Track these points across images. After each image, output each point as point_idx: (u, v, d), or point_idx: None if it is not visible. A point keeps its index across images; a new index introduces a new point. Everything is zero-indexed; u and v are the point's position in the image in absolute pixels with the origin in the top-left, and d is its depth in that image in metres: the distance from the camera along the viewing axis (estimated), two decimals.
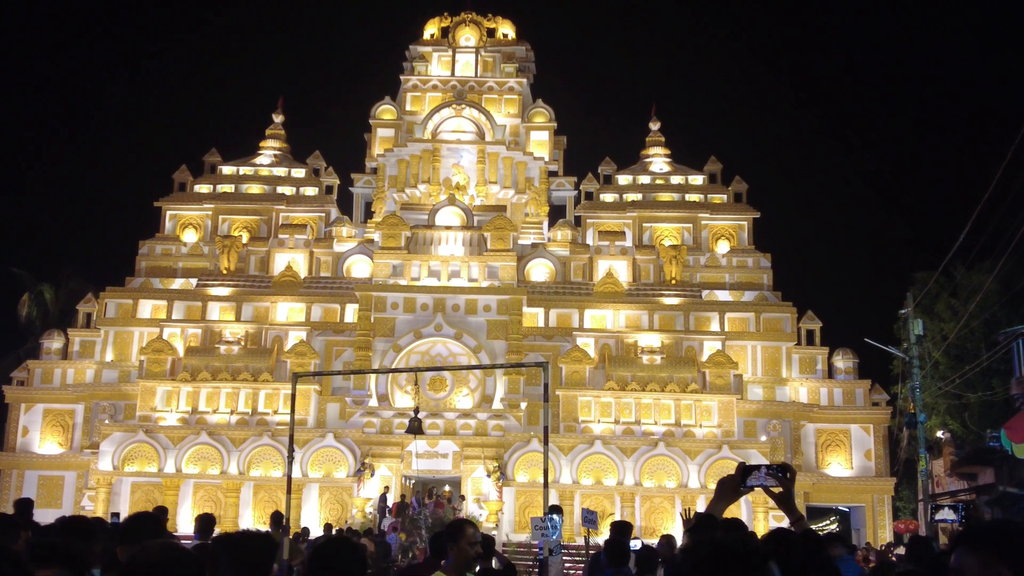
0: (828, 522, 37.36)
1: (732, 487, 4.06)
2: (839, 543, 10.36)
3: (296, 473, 32.60)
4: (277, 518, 13.52)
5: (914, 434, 29.72)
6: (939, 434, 31.61)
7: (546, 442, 11.67)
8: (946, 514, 24.44)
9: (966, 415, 31.60)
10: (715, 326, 36.49)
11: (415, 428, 14.59)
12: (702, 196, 40.18)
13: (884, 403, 36.05)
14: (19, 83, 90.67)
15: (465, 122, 40.89)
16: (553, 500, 31.33)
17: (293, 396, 11.18)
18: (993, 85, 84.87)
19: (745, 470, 4.02)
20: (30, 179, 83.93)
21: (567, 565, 26.54)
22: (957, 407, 31.94)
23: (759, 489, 4.14)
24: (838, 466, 35.46)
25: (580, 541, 25.66)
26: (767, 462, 4.66)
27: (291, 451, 11.56)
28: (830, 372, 36.79)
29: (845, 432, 35.86)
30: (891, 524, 34.14)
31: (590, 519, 13.80)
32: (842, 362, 36.80)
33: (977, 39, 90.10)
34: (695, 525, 10.54)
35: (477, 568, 8.33)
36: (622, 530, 9.78)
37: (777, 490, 4.11)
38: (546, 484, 11.59)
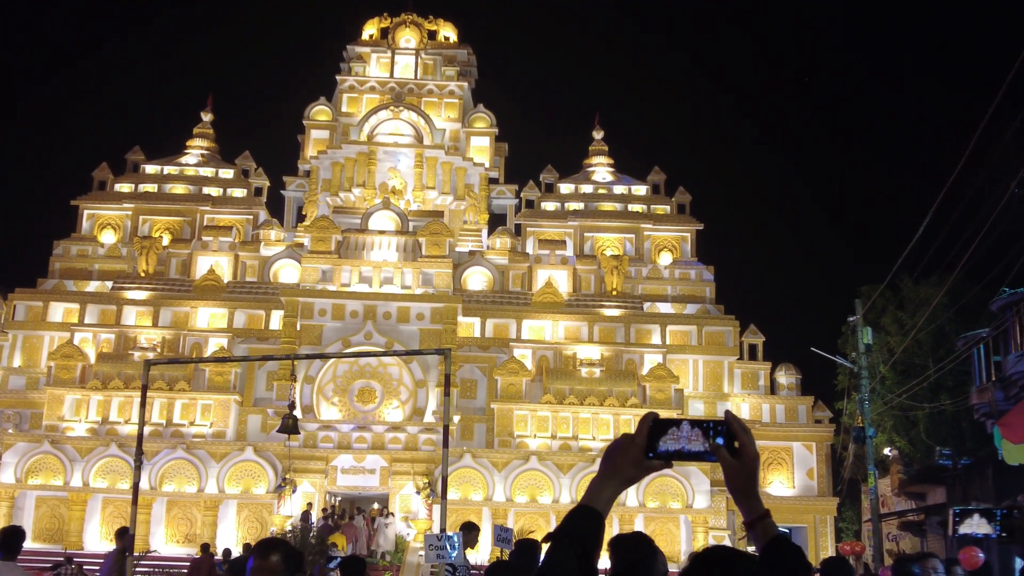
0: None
1: (631, 456, 2.12)
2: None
3: (212, 488, 30.94)
4: (122, 532, 12.06)
5: (860, 451, 28.77)
6: (886, 451, 30.73)
7: (446, 443, 10.16)
8: (975, 525, 18.65)
9: (913, 432, 30.75)
10: (656, 339, 35.40)
11: (289, 427, 12.84)
12: (645, 206, 39.23)
13: (827, 420, 35.30)
14: None
15: (403, 125, 39.51)
16: (485, 522, 29.94)
17: (143, 397, 9.55)
18: (943, 94, 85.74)
19: (656, 426, 2.11)
20: None
21: None
22: (904, 423, 31.10)
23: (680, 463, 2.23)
24: (780, 485, 34.45)
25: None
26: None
27: (139, 458, 9.77)
28: (772, 388, 35.92)
29: (787, 450, 34.93)
30: (833, 545, 33.24)
31: (504, 538, 12.14)
32: (785, 377, 35.94)
33: (924, 51, 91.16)
34: (517, 548, 8.99)
35: None
36: (521, 552, 8.14)
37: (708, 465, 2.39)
38: (444, 495, 10.02)
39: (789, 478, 34.58)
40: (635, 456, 2.06)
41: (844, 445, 35.83)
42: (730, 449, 2.05)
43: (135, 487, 10.27)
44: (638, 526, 30.78)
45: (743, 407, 35.05)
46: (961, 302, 25.33)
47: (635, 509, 30.80)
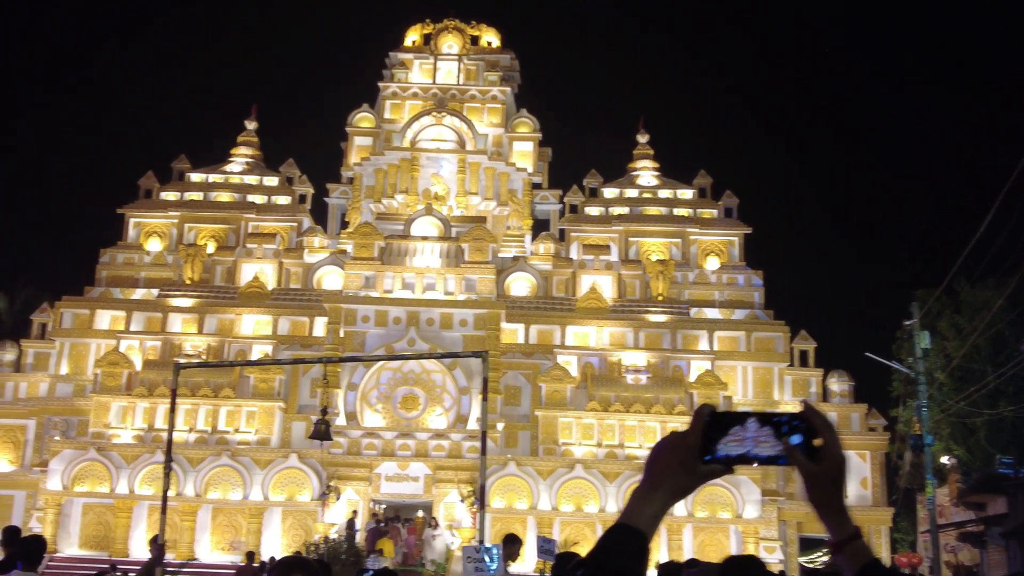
0: (820, 554, 35.42)
1: (681, 460, 1.59)
2: None
3: (257, 496, 30.89)
4: (154, 540, 11.89)
5: (917, 460, 27.93)
6: (944, 460, 29.70)
7: (484, 450, 9.79)
8: None
9: (972, 440, 29.81)
10: (704, 345, 34.78)
11: (320, 433, 12.52)
12: (691, 210, 38.67)
13: (881, 428, 34.36)
14: None
15: (446, 131, 39.38)
16: (530, 532, 29.53)
17: (173, 400, 9.33)
18: (998, 101, 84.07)
19: (714, 423, 1.58)
20: None
21: None
22: (963, 431, 30.18)
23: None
24: None
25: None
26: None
27: (168, 465, 9.55)
28: (824, 395, 35.07)
29: None
30: (889, 556, 32.38)
31: (546, 549, 11.74)
32: (837, 384, 35.09)
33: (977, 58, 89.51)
34: (557, 561, 8.44)
35: None
36: (565, 563, 7.74)
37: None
38: (482, 506, 9.63)
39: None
40: (687, 460, 1.53)
41: (899, 454, 34.96)
42: (809, 451, 1.53)
43: (164, 493, 10.06)
44: (686, 537, 30.21)
45: None
46: (1022, 306, 24.54)
47: (683, 519, 30.16)
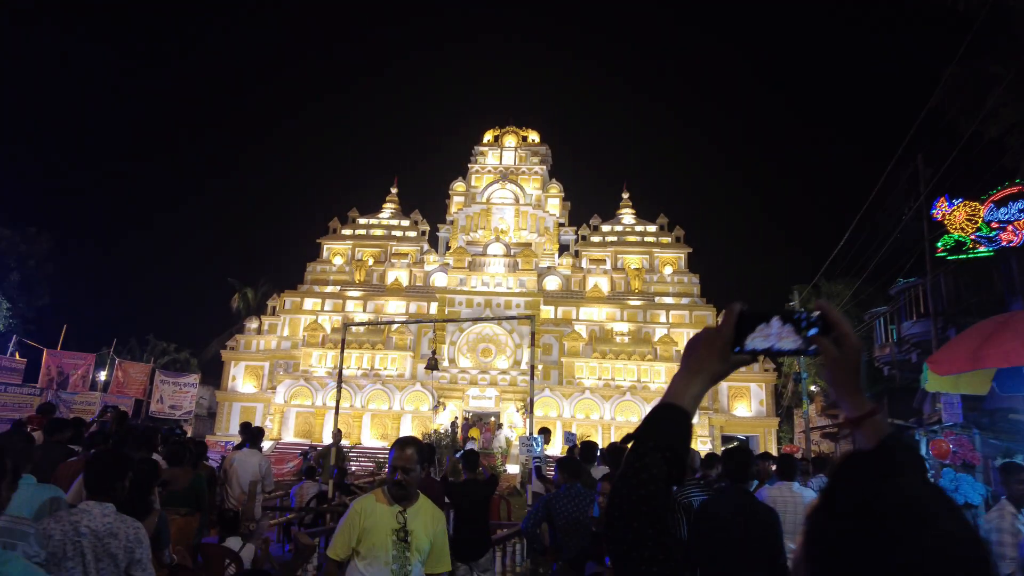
0: (732, 445, 34.72)
1: (717, 350, 1.12)
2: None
3: (397, 407, 31.11)
4: (337, 435, 12.05)
5: (796, 388, 27.30)
6: (812, 387, 29.01)
7: (532, 377, 9.86)
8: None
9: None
10: (663, 319, 34.30)
11: (432, 365, 12.61)
12: (655, 238, 38.07)
13: (771, 370, 33.55)
14: (234, 170, 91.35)
15: (507, 193, 39.30)
16: (558, 430, 29.42)
17: (342, 346, 9.48)
18: (859, 159, 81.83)
19: (743, 320, 1.11)
20: (245, 224, 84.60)
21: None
22: (822, 370, 29.45)
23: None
24: (743, 408, 32.96)
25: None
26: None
27: (339, 387, 9.73)
28: None
29: (747, 388, 33.29)
30: (776, 447, 31.60)
31: (570, 440, 11.77)
32: None
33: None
34: (582, 446, 7.57)
35: (464, 478, 6.64)
36: (585, 449, 7.46)
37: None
38: (531, 409, 9.65)
39: (749, 405, 33.00)
40: (722, 350, 1.12)
41: (783, 385, 34.15)
42: (818, 339, 1.10)
43: (336, 404, 10.23)
44: (611, 431, 29.93)
45: None
46: (860, 296, 23.83)
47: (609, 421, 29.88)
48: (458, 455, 8.17)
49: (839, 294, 29.46)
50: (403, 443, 3.40)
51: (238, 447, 7.75)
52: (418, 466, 3.39)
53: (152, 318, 67.92)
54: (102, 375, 27.41)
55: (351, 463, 25.03)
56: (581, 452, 7.38)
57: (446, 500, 6.52)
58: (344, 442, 30.18)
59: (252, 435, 7.55)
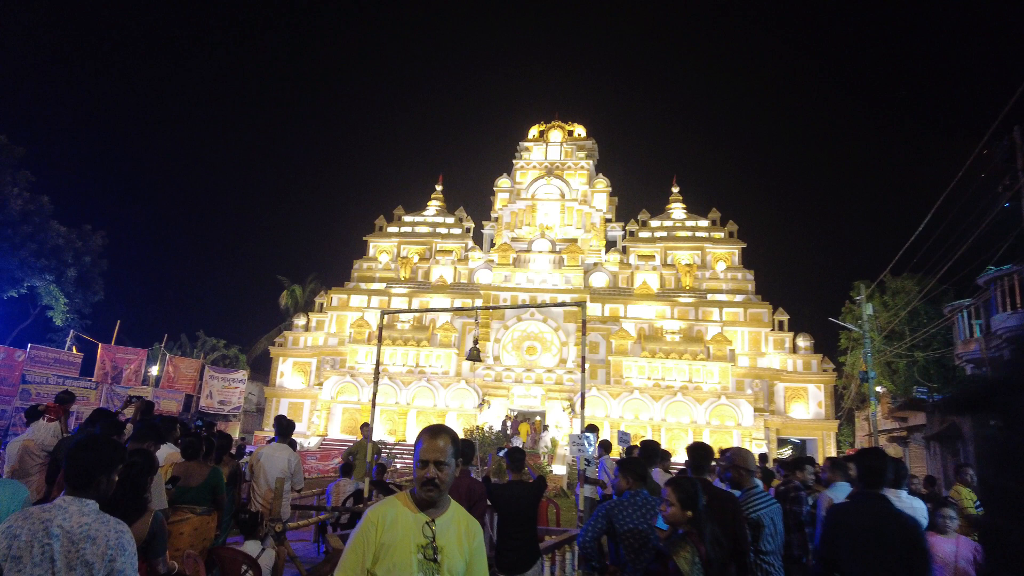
0: (788, 449, 33.00)
1: None
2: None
3: (442, 404, 30.67)
4: (365, 428, 11.54)
5: (859, 389, 25.56)
6: (878, 388, 27.12)
7: (583, 369, 9.01)
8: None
9: (894, 376, 27.11)
10: (716, 317, 32.82)
11: (474, 356, 11.90)
12: (707, 233, 36.61)
13: (831, 370, 31.73)
14: (306, 198, 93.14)
15: (553, 188, 38.48)
16: (606, 431, 28.40)
17: (379, 337, 8.86)
18: (927, 155, 77.79)
19: None
20: (294, 222, 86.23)
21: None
22: (887, 371, 27.47)
23: None
24: (800, 409, 31.25)
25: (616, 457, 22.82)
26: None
27: (376, 378, 9.12)
28: (794, 348, 32.64)
29: (804, 389, 31.63)
30: (836, 451, 29.85)
31: (624, 439, 10.87)
32: (802, 341, 32.58)
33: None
34: (642, 447, 6.59)
35: (508, 479, 5.89)
36: (646, 451, 6.57)
37: None
38: (583, 405, 8.87)
39: (806, 407, 31.31)
40: None
41: (844, 386, 32.22)
42: None
43: (373, 398, 9.65)
44: (705, 437, 28.58)
45: (775, 361, 32.04)
46: (927, 288, 22.05)
47: (703, 425, 28.60)
48: (501, 453, 7.35)
49: (906, 290, 27.55)
50: (434, 432, 2.62)
51: (271, 441, 7.19)
52: (454, 461, 2.62)
53: (202, 315, 69.79)
54: (154, 370, 27.86)
55: (396, 459, 24.66)
56: (642, 454, 6.54)
57: (488, 503, 5.77)
58: (389, 438, 29.95)
59: (282, 428, 6.96)
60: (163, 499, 4.02)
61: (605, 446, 10.31)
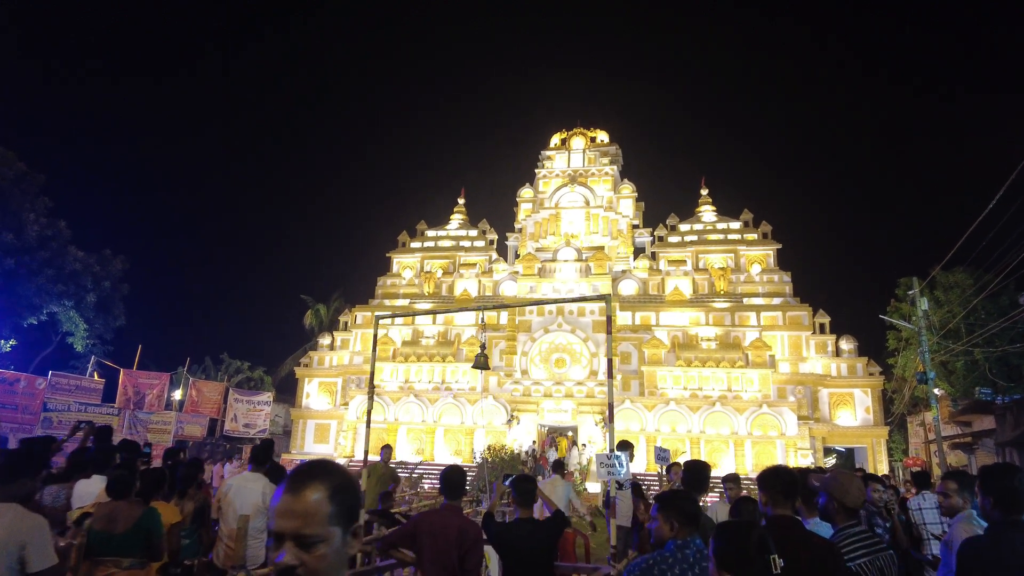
0: (833, 458, 30.94)
1: None
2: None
3: (469, 421, 29.61)
4: (387, 449, 10.55)
5: (913, 393, 23.62)
6: (936, 390, 25.22)
7: (610, 374, 7.67)
8: None
9: (952, 377, 25.03)
10: (753, 322, 31.14)
11: (480, 364, 10.68)
12: (739, 235, 35.01)
13: (877, 373, 29.71)
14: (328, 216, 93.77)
15: (577, 196, 37.37)
16: (641, 445, 26.85)
17: (374, 347, 7.72)
18: (973, 147, 74.57)
19: None
20: (317, 241, 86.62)
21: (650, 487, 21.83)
22: (943, 372, 25.39)
23: None
24: (846, 416, 29.26)
25: (654, 474, 21.37)
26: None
27: (371, 392, 7.97)
28: (837, 352, 30.70)
29: (850, 394, 29.66)
30: (887, 459, 27.81)
31: (662, 456, 9.53)
32: (845, 344, 30.63)
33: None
34: (686, 469, 5.05)
35: (515, 517, 4.67)
36: (693, 475, 5.00)
37: None
38: (611, 418, 7.57)
39: (853, 413, 29.34)
40: None
41: (894, 390, 30.10)
42: None
43: (368, 414, 8.50)
44: (747, 448, 26.88)
45: (817, 366, 30.15)
46: (984, 282, 20.18)
47: (744, 436, 26.89)
48: (507, 482, 5.99)
49: (960, 285, 25.56)
50: (300, 479, 1.41)
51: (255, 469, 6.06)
52: (338, 528, 1.41)
53: (226, 337, 70.21)
54: (177, 394, 27.36)
55: (422, 480, 23.55)
56: (686, 479, 4.98)
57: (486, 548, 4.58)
58: (416, 458, 28.90)
59: (256, 454, 5.88)
60: (49, 555, 2.95)
61: (623, 445, 8.55)
